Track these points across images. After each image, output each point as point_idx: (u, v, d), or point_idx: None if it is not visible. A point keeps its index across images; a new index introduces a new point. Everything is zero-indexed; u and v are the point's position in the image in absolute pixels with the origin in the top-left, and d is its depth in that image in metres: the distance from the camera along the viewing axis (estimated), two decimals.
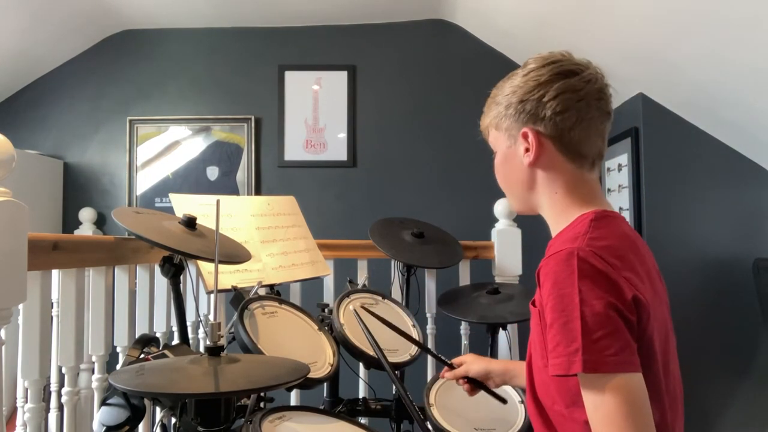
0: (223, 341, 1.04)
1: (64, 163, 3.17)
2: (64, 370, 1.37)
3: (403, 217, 2.10)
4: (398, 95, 3.13)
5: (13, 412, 2.12)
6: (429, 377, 1.94)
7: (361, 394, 1.86)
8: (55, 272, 1.42)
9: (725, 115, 2.24)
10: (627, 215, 2.53)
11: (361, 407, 1.62)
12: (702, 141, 2.40)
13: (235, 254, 1.41)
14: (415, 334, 1.57)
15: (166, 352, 1.13)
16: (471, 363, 1.26)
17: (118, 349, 1.57)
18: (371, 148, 3.13)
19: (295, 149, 3.13)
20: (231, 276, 1.53)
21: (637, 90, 2.46)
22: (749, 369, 2.40)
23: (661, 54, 2.13)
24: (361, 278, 1.98)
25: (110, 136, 3.17)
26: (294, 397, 1.94)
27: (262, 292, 1.56)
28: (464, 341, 2.04)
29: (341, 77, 3.14)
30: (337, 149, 3.13)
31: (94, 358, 1.48)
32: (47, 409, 1.39)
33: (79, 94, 3.19)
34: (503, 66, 3.05)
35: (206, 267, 1.53)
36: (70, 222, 3.13)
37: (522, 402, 1.43)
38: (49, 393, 1.64)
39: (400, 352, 1.47)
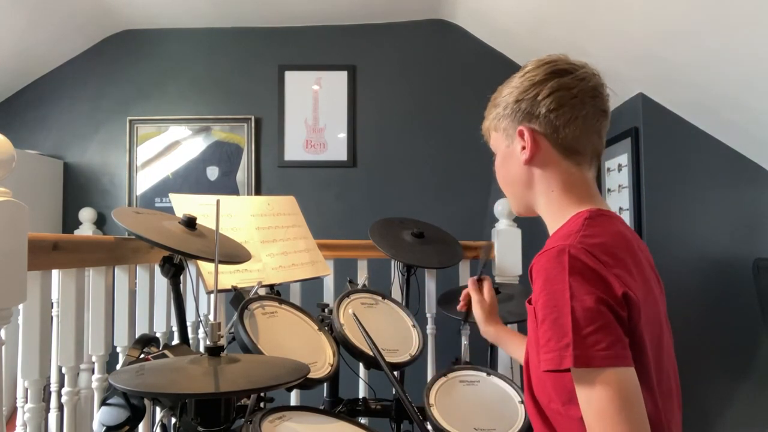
0: (223, 341, 1.04)
1: (64, 163, 3.17)
2: (64, 370, 1.37)
3: (403, 217, 2.10)
4: (398, 95, 3.13)
5: (13, 412, 2.12)
6: (429, 377, 1.94)
7: (361, 394, 1.86)
8: (55, 272, 1.42)
9: (725, 115, 2.24)
10: (627, 215, 2.53)
11: (361, 407, 1.62)
12: (702, 141, 2.40)
13: (235, 254, 1.41)
14: (415, 334, 1.57)
15: (166, 352, 1.13)
16: (487, 300, 1.42)
17: (118, 349, 1.57)
18: (371, 148, 3.13)
19: (295, 149, 3.13)
20: (231, 276, 1.53)
21: (637, 90, 2.46)
22: (749, 369, 2.40)
23: (661, 54, 2.13)
24: (361, 278, 1.98)
25: (110, 136, 3.17)
26: (294, 397, 1.94)
27: (262, 292, 1.56)
28: (464, 341, 2.04)
29: (341, 77, 3.14)
30: (337, 149, 3.13)
31: (94, 358, 1.48)
32: (47, 409, 1.39)
33: (79, 94, 3.19)
34: (503, 66, 3.05)
35: (206, 267, 1.53)
36: (70, 222, 3.13)
37: (521, 402, 1.43)
38: (49, 393, 1.64)
39: (400, 352, 1.47)
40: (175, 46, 3.19)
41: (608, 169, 2.76)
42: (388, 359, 1.36)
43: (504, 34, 2.94)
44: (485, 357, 1.77)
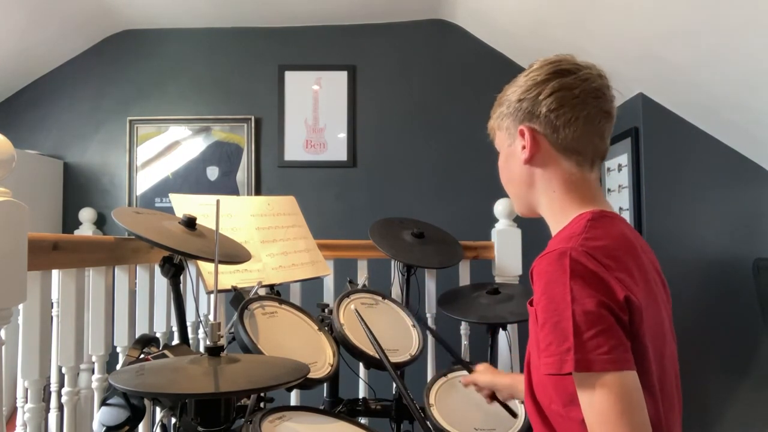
0: (223, 341, 1.04)
1: (64, 163, 3.17)
2: (64, 370, 1.37)
3: (403, 217, 2.10)
4: (398, 95, 3.13)
5: (13, 412, 2.12)
6: (429, 377, 1.94)
7: (361, 394, 1.86)
8: (55, 272, 1.42)
9: (725, 115, 2.24)
10: (627, 215, 2.53)
11: (361, 407, 1.62)
12: (702, 141, 2.41)
13: (235, 254, 1.41)
14: (415, 334, 1.57)
15: (166, 352, 1.14)
16: (481, 372, 1.32)
17: (118, 349, 1.57)
18: (371, 148, 3.13)
19: (295, 149, 3.13)
20: (231, 276, 1.53)
21: (637, 90, 2.46)
22: (749, 369, 2.40)
23: (661, 54, 2.13)
24: (361, 278, 1.98)
25: (110, 136, 3.17)
26: (294, 397, 1.94)
27: (262, 292, 1.56)
28: (464, 341, 2.04)
29: (341, 77, 3.14)
30: (337, 149, 3.13)
31: (94, 358, 1.48)
32: (47, 409, 1.39)
33: (79, 94, 3.19)
34: (503, 66, 3.05)
35: (206, 267, 1.53)
36: (70, 222, 3.13)
37: (521, 402, 1.43)
38: (49, 393, 1.64)
39: (400, 352, 1.47)
40: (175, 46, 3.19)
41: (608, 169, 2.77)
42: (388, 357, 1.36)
43: (504, 34, 2.94)
44: (485, 357, 1.78)
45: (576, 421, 0.79)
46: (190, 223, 1.35)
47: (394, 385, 1.69)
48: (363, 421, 1.62)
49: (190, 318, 1.80)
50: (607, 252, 0.80)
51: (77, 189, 3.17)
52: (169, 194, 1.65)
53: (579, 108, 0.89)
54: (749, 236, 2.39)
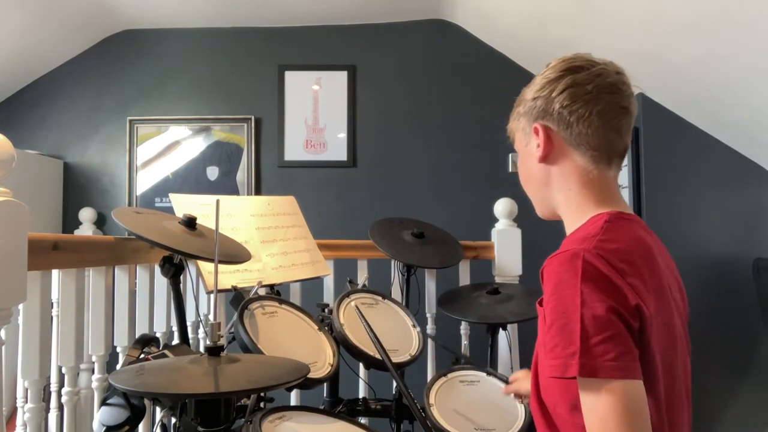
0: (223, 341, 1.04)
1: (64, 163, 3.17)
2: (64, 370, 1.37)
3: (403, 217, 2.10)
4: (398, 95, 3.13)
5: (13, 412, 2.12)
6: (429, 377, 1.94)
7: (361, 394, 1.86)
8: (55, 272, 1.42)
9: (725, 115, 2.24)
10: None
11: (361, 407, 1.62)
12: (702, 141, 2.41)
13: (235, 254, 1.41)
14: (415, 334, 1.57)
15: (166, 352, 1.13)
16: (521, 380, 1.32)
17: (118, 349, 1.57)
18: (371, 148, 3.13)
19: (295, 149, 3.13)
20: (231, 276, 1.53)
21: (637, 90, 2.46)
22: (749, 369, 2.40)
23: (661, 54, 2.13)
24: (361, 278, 1.98)
25: (110, 136, 3.17)
26: (294, 397, 1.94)
27: (262, 292, 1.56)
28: (464, 341, 2.04)
29: (341, 77, 3.14)
30: (337, 149, 3.13)
31: (94, 358, 1.48)
32: (47, 409, 1.39)
33: (79, 94, 3.19)
34: (503, 66, 3.05)
35: (206, 267, 1.53)
36: (70, 222, 3.13)
37: (522, 402, 1.43)
38: (49, 393, 1.64)
39: (400, 352, 1.47)
40: (175, 46, 3.19)
41: None
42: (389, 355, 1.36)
43: (504, 34, 2.94)
44: (485, 357, 1.78)
45: (580, 426, 0.79)
46: (190, 223, 1.35)
47: (394, 385, 1.69)
48: (363, 421, 1.62)
49: (190, 318, 1.80)
50: (621, 256, 0.78)
51: (77, 189, 3.17)
52: (169, 194, 1.65)
53: (592, 103, 0.87)
54: (749, 236, 2.39)
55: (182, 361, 0.92)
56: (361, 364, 1.62)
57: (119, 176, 3.17)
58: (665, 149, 2.43)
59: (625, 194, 2.56)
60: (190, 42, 3.18)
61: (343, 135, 3.13)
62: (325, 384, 1.50)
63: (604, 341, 0.71)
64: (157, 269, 1.44)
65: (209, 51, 3.18)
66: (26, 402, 1.26)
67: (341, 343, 1.40)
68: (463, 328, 2.04)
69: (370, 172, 3.12)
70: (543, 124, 0.91)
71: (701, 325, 2.39)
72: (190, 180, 3.15)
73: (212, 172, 3.16)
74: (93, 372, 1.49)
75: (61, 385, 1.45)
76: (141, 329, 1.66)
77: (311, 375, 1.17)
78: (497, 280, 2.06)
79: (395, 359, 1.43)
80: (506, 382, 1.49)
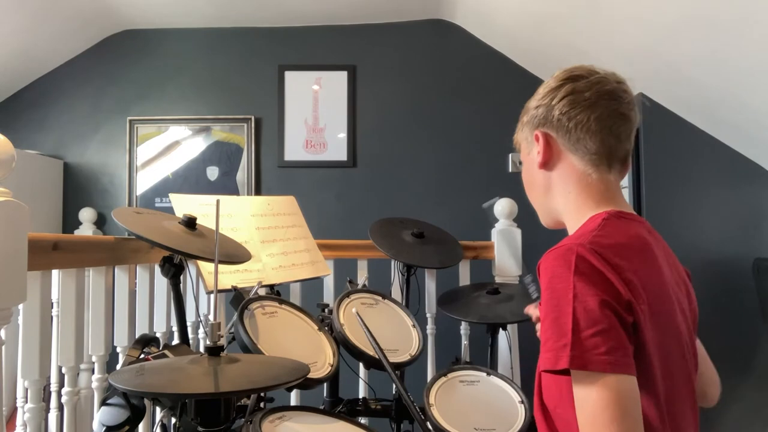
0: (223, 341, 1.04)
1: (64, 163, 3.17)
2: (64, 370, 1.37)
3: (403, 217, 2.10)
4: (398, 95, 3.13)
5: (13, 412, 2.12)
6: (429, 377, 1.94)
7: (361, 394, 1.86)
8: (55, 272, 1.41)
9: (725, 115, 2.24)
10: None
11: (361, 407, 1.62)
12: (702, 141, 2.41)
13: (235, 254, 1.41)
14: (415, 334, 1.57)
15: (166, 352, 1.13)
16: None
17: (118, 349, 1.57)
18: (371, 148, 3.13)
19: (295, 149, 3.13)
20: (231, 276, 1.53)
21: (637, 90, 2.46)
22: (749, 369, 2.40)
23: (661, 54, 2.13)
24: (361, 278, 1.98)
25: (110, 136, 3.18)
26: (294, 397, 1.94)
27: (262, 292, 1.56)
28: (464, 341, 2.04)
29: (341, 77, 3.14)
30: (337, 149, 3.13)
31: (94, 358, 1.48)
32: (47, 409, 1.39)
33: (79, 94, 3.19)
34: (503, 66, 3.05)
35: (206, 267, 1.53)
36: (70, 222, 3.13)
37: (522, 402, 1.43)
38: (49, 393, 1.64)
39: (400, 352, 1.47)
40: (175, 46, 3.19)
41: None
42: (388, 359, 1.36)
43: (504, 34, 2.94)
44: (485, 357, 1.78)
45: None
46: (190, 223, 1.35)
47: (395, 385, 1.69)
48: (363, 421, 1.62)
49: (190, 318, 1.80)
50: (616, 251, 0.79)
51: (77, 189, 3.17)
52: (169, 194, 1.65)
53: (591, 109, 0.89)
54: (749, 236, 2.39)
55: (182, 361, 0.92)
56: (361, 364, 1.62)
57: (119, 176, 3.17)
58: (665, 149, 2.43)
59: (625, 194, 2.56)
60: (190, 42, 3.18)
61: (343, 135, 3.13)
62: (325, 384, 1.50)
63: (595, 334, 0.72)
64: (157, 269, 1.44)
65: (209, 51, 3.18)
66: (26, 402, 1.26)
67: (341, 343, 1.40)
68: (463, 328, 2.05)
69: (370, 172, 3.12)
70: (543, 131, 0.94)
71: (701, 325, 2.39)
72: (190, 180, 3.15)
73: (212, 172, 3.16)
74: (93, 372, 1.49)
75: (61, 385, 1.45)
76: (141, 329, 1.66)
77: (311, 375, 1.17)
78: (497, 280, 2.06)
79: (395, 359, 1.43)
80: (507, 381, 1.49)
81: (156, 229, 1.27)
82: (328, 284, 2.07)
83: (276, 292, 1.64)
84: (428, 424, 1.32)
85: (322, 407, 1.43)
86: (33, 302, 1.19)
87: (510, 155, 2.92)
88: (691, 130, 2.41)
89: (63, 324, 1.37)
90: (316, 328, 1.41)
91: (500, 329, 1.78)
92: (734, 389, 2.42)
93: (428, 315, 2.06)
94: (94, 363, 1.48)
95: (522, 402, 1.43)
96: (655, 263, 0.86)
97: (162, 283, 1.76)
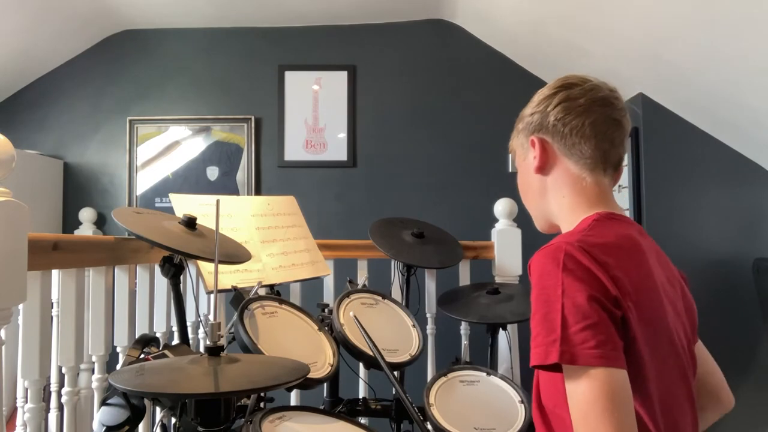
0: (223, 341, 1.04)
1: (64, 163, 3.17)
2: (64, 370, 1.37)
3: (403, 217, 2.10)
4: (398, 95, 3.13)
5: (13, 412, 2.12)
6: (429, 377, 1.94)
7: (361, 394, 1.86)
8: (55, 272, 1.41)
9: (725, 115, 2.24)
10: (627, 215, 2.53)
11: (361, 407, 1.62)
12: (702, 141, 2.41)
13: (235, 254, 1.41)
14: (415, 334, 1.57)
15: (166, 352, 1.13)
16: None
17: (118, 349, 1.57)
18: (371, 148, 3.13)
19: (295, 149, 3.13)
20: (231, 276, 1.53)
21: (637, 90, 2.46)
22: (749, 369, 2.40)
23: (661, 54, 2.13)
24: (361, 278, 1.98)
25: (110, 136, 3.18)
26: (294, 397, 1.94)
27: (262, 292, 1.56)
28: (464, 341, 2.04)
29: (341, 77, 3.14)
30: (337, 149, 3.13)
31: (94, 358, 1.48)
32: (47, 409, 1.39)
33: (79, 94, 3.19)
34: (503, 66, 3.05)
35: (206, 267, 1.53)
36: (70, 222, 3.13)
37: (521, 402, 1.43)
38: (49, 393, 1.64)
39: (400, 352, 1.47)
40: (175, 46, 3.19)
41: None
42: (388, 359, 1.36)
43: (504, 34, 2.94)
44: (485, 357, 1.78)
45: None
46: (190, 223, 1.35)
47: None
48: (363, 421, 1.62)
49: (190, 318, 1.80)
50: (605, 250, 0.80)
51: (77, 189, 3.17)
52: (169, 194, 1.65)
53: (585, 115, 0.92)
54: (749, 236, 2.39)
55: (182, 361, 0.92)
56: (361, 364, 1.62)
57: (119, 176, 3.17)
58: (665, 149, 2.43)
59: (625, 194, 2.56)
60: (190, 42, 3.18)
61: (343, 135, 3.13)
62: (325, 384, 1.50)
63: (584, 329, 0.73)
64: (157, 269, 1.44)
65: (209, 51, 3.18)
66: (26, 402, 1.26)
67: (341, 343, 1.40)
68: (463, 328, 2.05)
69: (370, 172, 3.12)
70: (539, 136, 0.96)
71: (701, 325, 2.39)
72: (190, 180, 3.15)
73: (212, 172, 3.16)
74: (93, 372, 1.49)
75: (61, 385, 1.45)
76: (141, 329, 1.66)
77: (311, 375, 1.17)
78: (497, 280, 2.06)
79: (395, 359, 1.43)
80: (507, 381, 1.49)
81: (156, 229, 1.27)
82: (328, 284, 2.07)
83: (276, 292, 1.64)
84: (428, 424, 1.32)
85: (322, 407, 1.43)
86: (33, 302, 1.19)
87: (510, 155, 2.92)
88: (691, 130, 2.41)
89: (63, 324, 1.37)
90: (316, 328, 1.41)
91: (500, 329, 1.78)
92: (734, 389, 2.42)
93: (428, 315, 2.06)
94: (94, 363, 1.48)
95: (522, 402, 1.43)
96: (644, 263, 0.87)
97: (162, 283, 1.76)
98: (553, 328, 0.74)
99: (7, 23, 2.64)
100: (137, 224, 1.26)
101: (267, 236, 1.75)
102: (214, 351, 0.93)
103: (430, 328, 2.05)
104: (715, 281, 2.40)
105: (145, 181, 3.15)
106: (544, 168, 0.96)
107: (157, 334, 1.75)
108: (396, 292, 1.96)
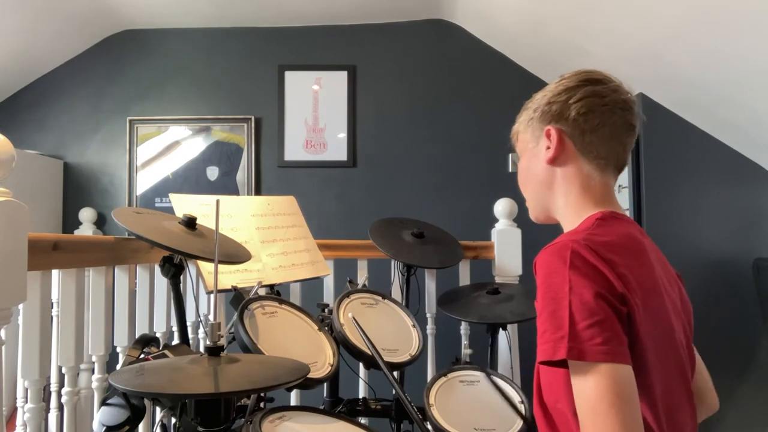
0: (223, 341, 1.04)
1: (64, 163, 3.17)
2: (64, 370, 1.37)
3: (403, 217, 2.10)
4: (398, 95, 3.13)
5: (13, 412, 2.12)
6: (429, 377, 1.94)
7: (361, 394, 1.86)
8: (55, 272, 1.41)
9: (725, 115, 2.24)
10: (627, 215, 2.54)
11: (361, 407, 1.62)
12: (702, 141, 2.41)
13: (235, 254, 1.41)
14: (415, 334, 1.57)
15: (166, 352, 1.13)
16: None
17: (118, 349, 1.57)
18: (371, 148, 3.13)
19: (295, 149, 3.13)
20: (231, 276, 1.53)
21: (637, 90, 2.46)
22: (749, 369, 2.40)
23: (661, 54, 2.13)
24: (361, 278, 1.98)
25: (110, 136, 3.18)
26: (294, 397, 1.94)
27: (262, 292, 1.56)
28: (464, 341, 2.04)
29: (341, 77, 3.14)
30: (337, 149, 3.13)
31: (94, 358, 1.48)
32: (47, 409, 1.39)
33: (79, 94, 3.19)
34: (503, 66, 3.05)
35: (206, 267, 1.53)
36: (70, 222, 3.13)
37: (522, 402, 1.43)
38: (49, 393, 1.64)
39: (400, 352, 1.47)
40: (175, 46, 3.19)
41: None
42: (387, 359, 1.36)
43: (504, 34, 2.94)
44: (485, 357, 1.78)
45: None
46: (190, 223, 1.35)
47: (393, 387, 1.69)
48: (363, 421, 1.62)
49: (190, 318, 1.80)
50: (610, 248, 0.81)
51: (77, 189, 3.17)
52: (169, 194, 1.65)
53: (606, 116, 0.92)
54: (749, 236, 2.39)
55: (182, 361, 0.92)
56: (361, 364, 1.62)
57: (119, 176, 3.17)
58: (665, 149, 2.43)
59: (625, 194, 2.56)
60: (190, 42, 3.18)
61: (343, 135, 3.13)
62: (325, 384, 1.50)
63: (591, 326, 0.74)
64: (157, 269, 1.44)
65: (209, 51, 3.18)
66: (26, 402, 1.26)
67: (341, 343, 1.40)
68: (463, 328, 2.04)
69: (370, 172, 3.12)
70: (557, 127, 0.94)
71: (701, 326, 2.39)
72: (190, 180, 3.15)
73: (212, 172, 3.16)
74: (93, 372, 1.49)
75: (61, 385, 1.45)
76: (141, 329, 1.66)
77: (311, 375, 1.17)
78: (497, 280, 2.06)
79: (395, 359, 1.43)
80: (507, 381, 1.49)
81: (156, 229, 1.27)
82: (328, 284, 2.07)
83: (276, 292, 1.64)
84: (428, 424, 1.32)
85: (322, 407, 1.43)
86: (33, 302, 1.19)
87: (510, 155, 2.92)
88: (691, 130, 2.41)
89: (63, 324, 1.37)
90: (316, 328, 1.41)
91: (500, 329, 1.78)
92: (734, 389, 2.42)
93: (428, 315, 2.06)
94: (94, 363, 1.48)
95: (522, 402, 1.43)
96: (647, 261, 0.88)
97: (162, 283, 1.76)
98: (561, 324, 0.75)
99: (7, 23, 2.64)
100: (137, 224, 1.26)
101: (267, 236, 1.75)
102: (214, 351, 0.93)
103: (430, 328, 2.05)
104: (715, 281, 2.40)
105: (145, 181, 3.15)
106: (556, 160, 0.95)
107: (157, 334, 1.75)
108: (396, 292, 1.96)
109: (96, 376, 1.47)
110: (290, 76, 3.15)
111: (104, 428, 1.00)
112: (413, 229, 1.95)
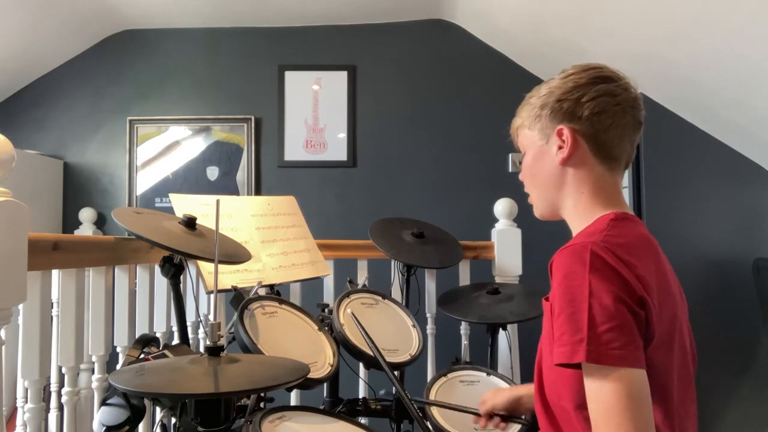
0: (223, 341, 1.04)
1: (64, 163, 3.17)
2: (64, 370, 1.37)
3: (403, 217, 2.10)
4: (398, 95, 3.13)
5: (13, 412, 2.12)
6: (429, 377, 1.94)
7: (361, 394, 1.86)
8: (55, 272, 1.41)
9: (725, 115, 2.24)
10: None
11: (361, 407, 1.62)
12: (702, 141, 2.41)
13: (235, 254, 1.41)
14: (415, 334, 1.57)
15: (166, 352, 1.14)
16: (494, 398, 1.25)
17: (118, 349, 1.57)
18: (371, 148, 3.13)
19: (295, 149, 3.13)
20: (231, 276, 1.53)
21: (638, 90, 2.46)
22: (749, 369, 2.40)
23: (661, 54, 2.13)
24: (361, 278, 1.98)
25: (110, 136, 3.17)
26: (294, 397, 1.94)
27: (262, 292, 1.56)
28: (464, 341, 2.04)
29: (341, 77, 3.14)
30: (337, 149, 3.13)
31: (94, 358, 1.48)
32: (47, 409, 1.39)
33: (79, 94, 3.19)
34: (503, 66, 3.05)
35: (206, 267, 1.53)
36: (70, 222, 3.13)
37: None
38: (49, 393, 1.64)
39: (400, 352, 1.47)
40: (175, 46, 3.19)
41: None
42: (388, 359, 1.36)
43: (504, 34, 2.94)
44: (485, 357, 1.78)
45: (583, 419, 0.80)
46: (190, 223, 1.35)
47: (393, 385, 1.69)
48: (363, 421, 1.62)
49: (190, 318, 1.80)
50: (628, 250, 0.81)
51: (77, 189, 3.17)
52: (169, 194, 1.65)
53: (620, 115, 0.91)
54: (749, 236, 2.40)
55: (182, 361, 0.92)
56: (361, 364, 1.62)
57: (119, 176, 3.17)
58: (665, 149, 2.43)
59: (625, 194, 2.56)
60: (190, 42, 3.18)
61: (343, 135, 3.13)
62: (325, 384, 1.50)
63: (610, 330, 0.73)
64: (157, 269, 1.44)
65: (209, 51, 3.18)
66: (26, 402, 1.26)
67: (341, 343, 1.40)
68: (463, 328, 2.05)
69: (370, 172, 3.12)
70: (570, 126, 0.92)
71: (701, 325, 2.39)
72: (190, 180, 3.15)
73: (212, 172, 3.16)
74: (93, 372, 1.49)
75: (61, 385, 1.45)
76: (141, 329, 1.66)
77: (311, 375, 1.17)
78: (497, 280, 2.06)
79: (395, 359, 1.43)
80: (510, 381, 1.49)
81: (156, 229, 1.27)
82: (328, 284, 2.07)
83: (276, 292, 1.64)
84: (428, 424, 1.32)
85: (322, 407, 1.43)
86: (33, 302, 1.19)
87: (510, 155, 2.92)
88: (691, 130, 2.41)
89: (63, 324, 1.37)
90: (316, 328, 1.41)
91: (500, 329, 1.78)
92: (734, 389, 2.42)
93: (428, 315, 2.06)
94: (94, 363, 1.48)
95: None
96: (660, 263, 0.88)
97: (162, 283, 1.76)
98: (579, 327, 0.74)
99: (7, 23, 2.64)
100: (137, 224, 1.26)
101: (267, 236, 1.75)
102: (214, 351, 0.93)
103: (430, 328, 2.05)
104: (715, 281, 2.40)
105: (145, 181, 3.15)
106: (569, 160, 0.93)
107: (157, 334, 1.75)
108: (396, 292, 1.96)
109: (96, 376, 1.47)
110: (290, 76, 3.15)
111: (104, 428, 1.00)
112: (413, 229, 1.95)
